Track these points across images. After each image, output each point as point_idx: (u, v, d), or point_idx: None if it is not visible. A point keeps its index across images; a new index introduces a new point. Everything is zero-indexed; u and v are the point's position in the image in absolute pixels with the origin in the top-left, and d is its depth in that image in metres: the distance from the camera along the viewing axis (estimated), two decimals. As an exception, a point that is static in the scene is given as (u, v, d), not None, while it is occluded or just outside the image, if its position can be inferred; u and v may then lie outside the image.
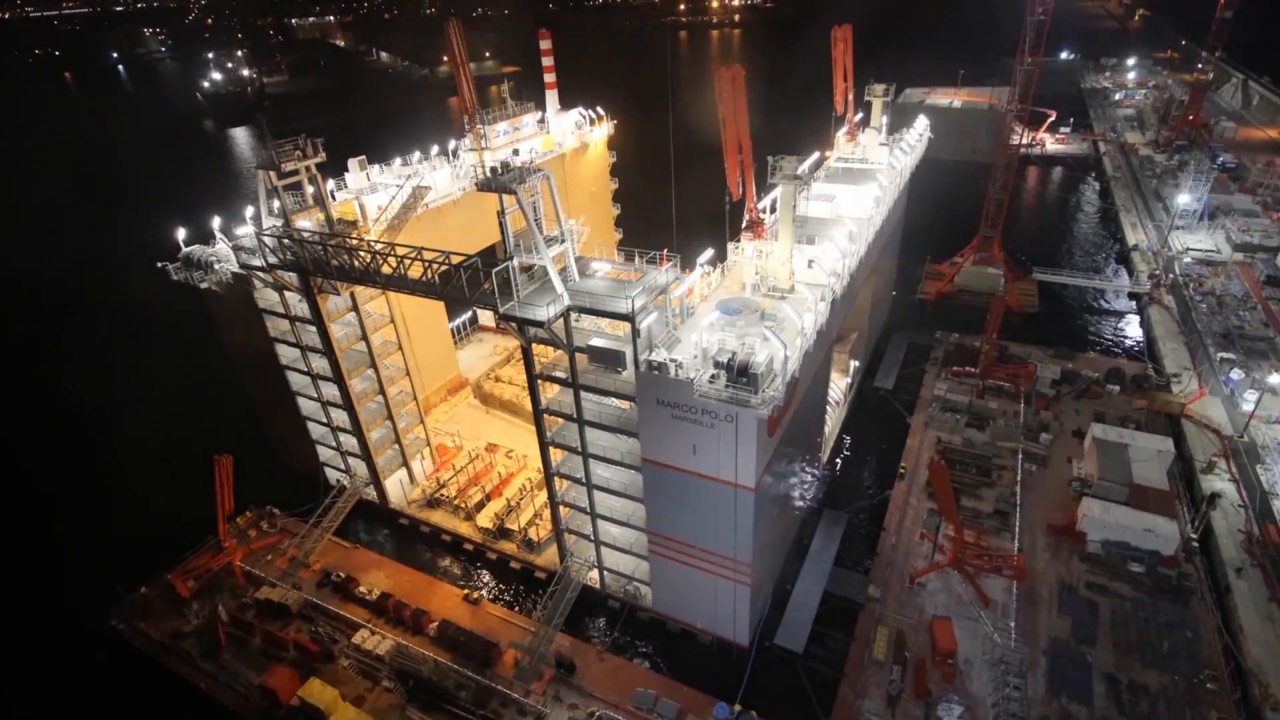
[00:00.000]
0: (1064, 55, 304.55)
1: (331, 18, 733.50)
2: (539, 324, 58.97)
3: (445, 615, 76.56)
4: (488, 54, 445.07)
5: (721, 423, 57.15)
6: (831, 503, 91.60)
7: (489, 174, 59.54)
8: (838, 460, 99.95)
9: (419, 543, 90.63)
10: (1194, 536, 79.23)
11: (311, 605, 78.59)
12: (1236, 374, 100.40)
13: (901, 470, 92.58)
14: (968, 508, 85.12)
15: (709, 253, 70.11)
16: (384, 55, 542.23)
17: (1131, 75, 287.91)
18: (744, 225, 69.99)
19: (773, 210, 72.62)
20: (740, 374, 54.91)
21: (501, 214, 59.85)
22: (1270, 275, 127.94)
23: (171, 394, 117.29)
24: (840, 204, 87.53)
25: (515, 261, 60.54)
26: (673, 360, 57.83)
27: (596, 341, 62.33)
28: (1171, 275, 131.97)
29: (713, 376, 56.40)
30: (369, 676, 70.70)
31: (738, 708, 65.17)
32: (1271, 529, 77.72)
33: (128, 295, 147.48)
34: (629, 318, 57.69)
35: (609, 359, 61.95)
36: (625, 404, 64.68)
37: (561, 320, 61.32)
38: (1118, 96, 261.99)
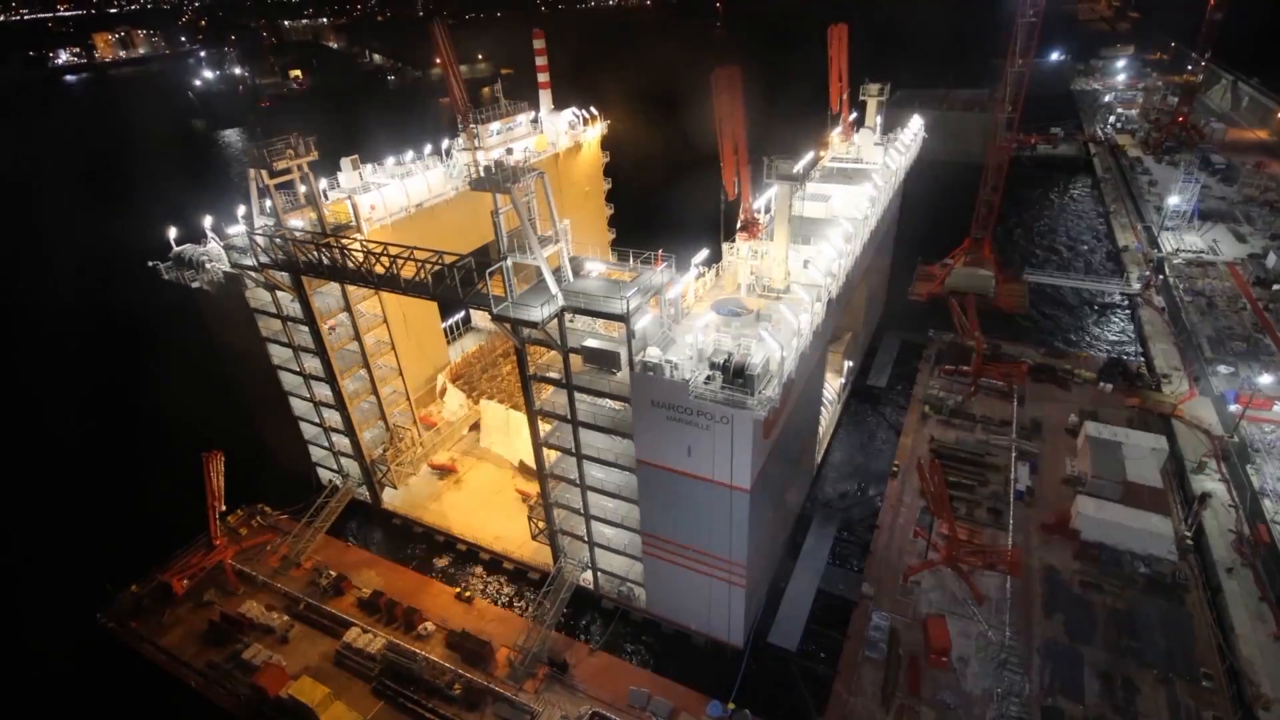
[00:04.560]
0: (1054, 57, 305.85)
1: (324, 19, 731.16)
2: (533, 325, 58.83)
3: (438, 614, 76.64)
4: (480, 56, 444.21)
5: (717, 424, 57.07)
6: (825, 501, 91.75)
7: (483, 173, 59.32)
8: (832, 457, 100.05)
9: (412, 542, 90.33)
10: (1188, 534, 79.55)
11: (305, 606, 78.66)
12: (1232, 383, 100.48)
13: (894, 468, 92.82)
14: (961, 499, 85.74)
15: (704, 253, 70.10)
16: (376, 57, 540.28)
17: (1121, 77, 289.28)
18: (739, 225, 69.95)
19: (768, 210, 72.55)
20: (736, 375, 54.78)
21: (496, 214, 59.61)
22: (1259, 277, 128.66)
23: (163, 393, 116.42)
24: (835, 204, 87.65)
25: (509, 262, 60.32)
26: (668, 361, 57.73)
27: (591, 342, 62.13)
28: (1162, 276, 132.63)
29: (708, 378, 56.26)
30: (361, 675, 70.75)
31: (731, 706, 65.20)
32: (1262, 529, 78.07)
33: (119, 294, 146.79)
34: (624, 318, 57.62)
35: (604, 360, 61.78)
36: (620, 405, 64.51)
37: (556, 321, 61.11)
38: (1107, 99, 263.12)
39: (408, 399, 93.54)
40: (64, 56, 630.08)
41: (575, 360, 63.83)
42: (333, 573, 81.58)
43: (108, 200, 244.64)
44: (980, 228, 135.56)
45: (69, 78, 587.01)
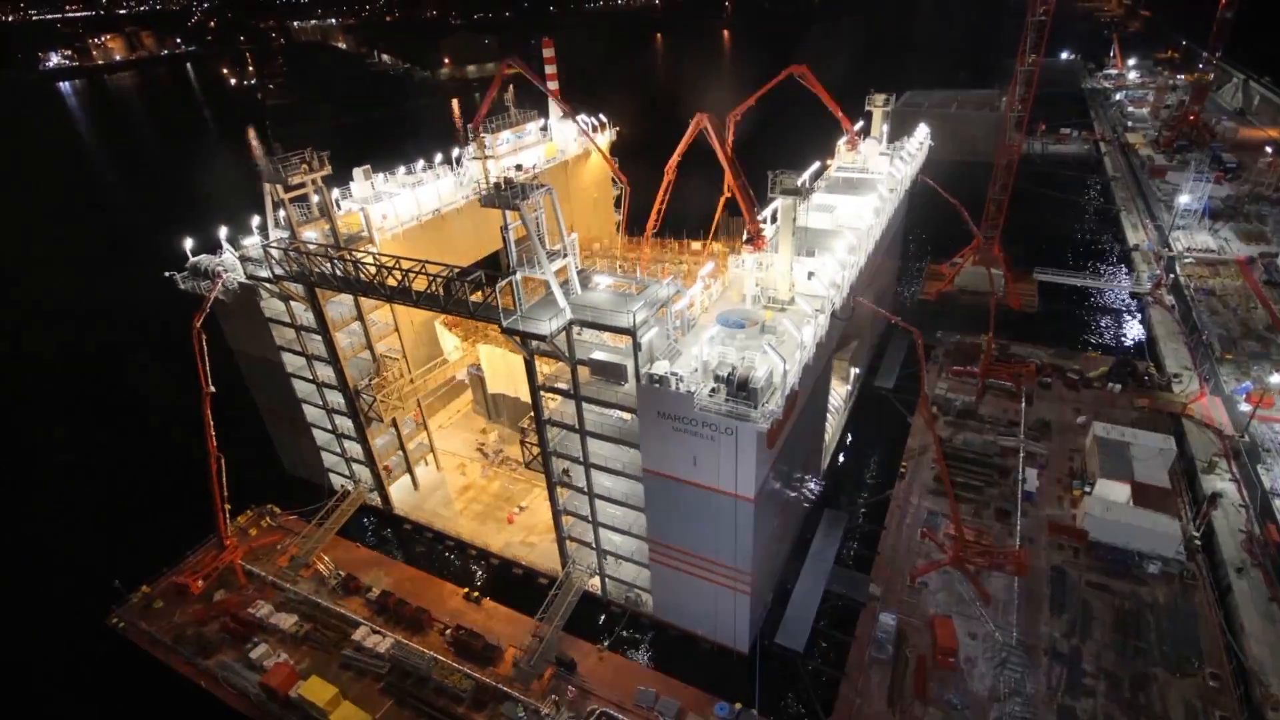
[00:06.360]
0: (1064, 56, 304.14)
1: (333, 20, 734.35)
2: (541, 338, 59.88)
3: (446, 614, 77.81)
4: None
5: (721, 435, 57.89)
6: (832, 502, 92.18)
7: (492, 190, 60.35)
8: (839, 459, 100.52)
9: (421, 543, 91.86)
10: (1196, 535, 79.72)
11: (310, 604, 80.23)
12: (1247, 385, 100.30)
13: (902, 469, 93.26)
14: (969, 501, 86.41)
15: (710, 265, 70.99)
16: (385, 57, 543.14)
17: (1132, 75, 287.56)
18: (744, 238, 70.69)
19: (773, 221, 73.31)
20: (740, 388, 55.62)
21: (505, 229, 60.70)
22: (1269, 279, 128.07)
23: (173, 398, 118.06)
24: (840, 214, 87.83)
25: (518, 275, 61.36)
26: (673, 373, 58.57)
27: (598, 355, 63.24)
28: (1172, 275, 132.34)
29: (713, 390, 57.08)
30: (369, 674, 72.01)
31: (738, 706, 65.99)
32: (1272, 529, 78.18)
33: (131, 300, 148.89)
34: (630, 332, 58.55)
35: (610, 372, 62.77)
36: (627, 415, 65.37)
37: (564, 333, 62.12)
38: (1118, 97, 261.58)
39: (419, 406, 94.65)
40: (55, 59, 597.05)
41: (583, 371, 64.81)
42: (342, 573, 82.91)
43: (116, 206, 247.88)
44: (989, 226, 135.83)
45: (63, 84, 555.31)
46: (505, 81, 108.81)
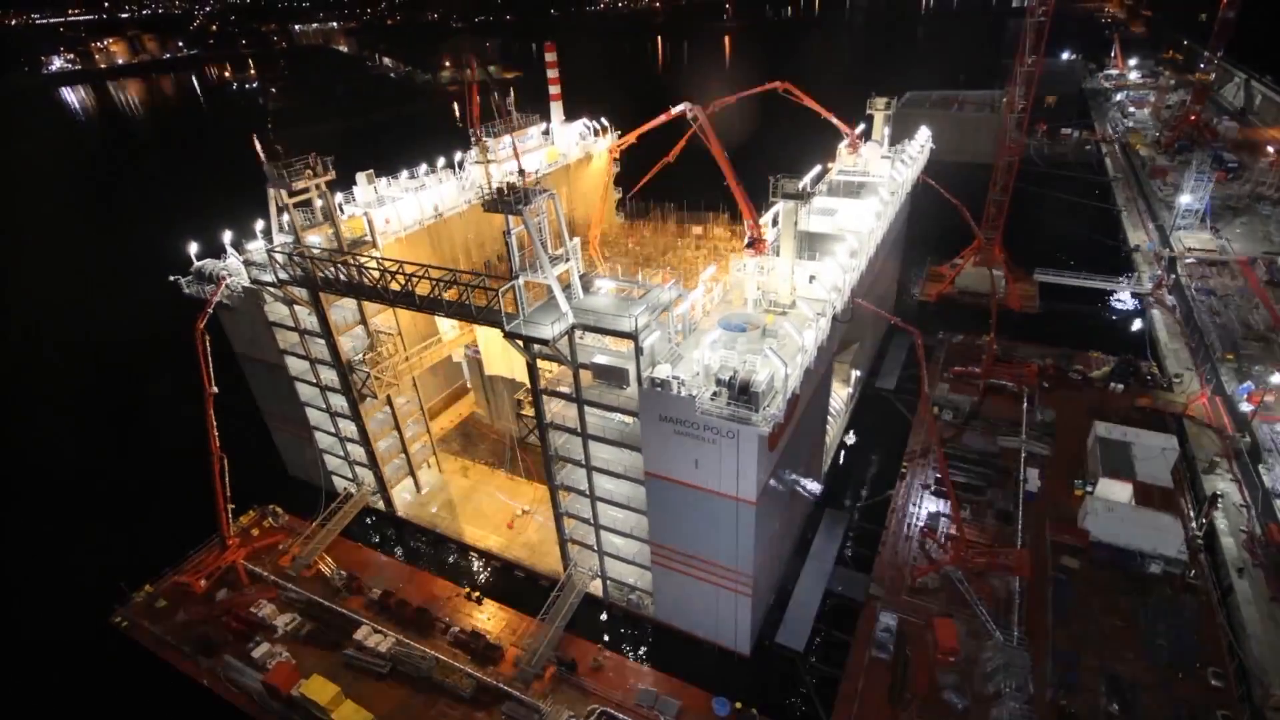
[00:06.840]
0: (1065, 56, 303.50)
1: (334, 24, 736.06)
2: (544, 342, 60.28)
3: (448, 614, 78.31)
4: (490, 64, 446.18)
5: (723, 439, 58.17)
6: (833, 502, 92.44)
7: (495, 195, 60.76)
8: (840, 460, 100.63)
9: (423, 545, 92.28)
10: (1199, 534, 79.82)
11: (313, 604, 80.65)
12: (1248, 385, 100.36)
13: (903, 470, 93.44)
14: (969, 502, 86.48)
15: (711, 269, 71.23)
16: (386, 61, 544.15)
17: (1133, 76, 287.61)
18: (746, 242, 71.03)
19: (774, 225, 73.57)
20: (741, 392, 55.92)
21: (508, 234, 61.12)
22: (1270, 279, 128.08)
23: (177, 399, 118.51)
24: (842, 218, 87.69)
25: (521, 280, 61.76)
26: (675, 377, 58.83)
27: (600, 358, 63.44)
28: (1174, 275, 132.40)
29: (714, 394, 57.40)
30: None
31: (738, 705, 66.29)
32: (1274, 529, 78.21)
33: (135, 303, 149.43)
34: (632, 335, 58.86)
35: (612, 376, 63.10)
36: (628, 419, 65.64)
37: (566, 337, 62.41)
38: (1119, 98, 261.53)
39: (421, 410, 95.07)
40: (57, 63, 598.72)
41: (585, 375, 65.11)
42: (344, 573, 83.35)
43: (119, 209, 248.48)
44: (989, 227, 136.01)
45: (65, 90, 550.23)
46: (505, 85, 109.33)
